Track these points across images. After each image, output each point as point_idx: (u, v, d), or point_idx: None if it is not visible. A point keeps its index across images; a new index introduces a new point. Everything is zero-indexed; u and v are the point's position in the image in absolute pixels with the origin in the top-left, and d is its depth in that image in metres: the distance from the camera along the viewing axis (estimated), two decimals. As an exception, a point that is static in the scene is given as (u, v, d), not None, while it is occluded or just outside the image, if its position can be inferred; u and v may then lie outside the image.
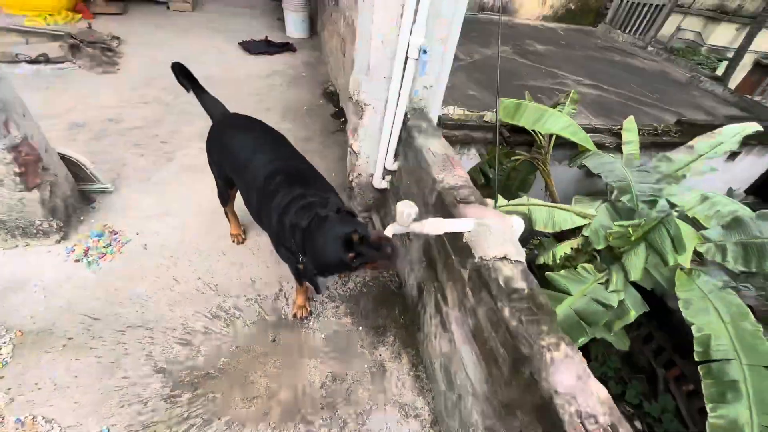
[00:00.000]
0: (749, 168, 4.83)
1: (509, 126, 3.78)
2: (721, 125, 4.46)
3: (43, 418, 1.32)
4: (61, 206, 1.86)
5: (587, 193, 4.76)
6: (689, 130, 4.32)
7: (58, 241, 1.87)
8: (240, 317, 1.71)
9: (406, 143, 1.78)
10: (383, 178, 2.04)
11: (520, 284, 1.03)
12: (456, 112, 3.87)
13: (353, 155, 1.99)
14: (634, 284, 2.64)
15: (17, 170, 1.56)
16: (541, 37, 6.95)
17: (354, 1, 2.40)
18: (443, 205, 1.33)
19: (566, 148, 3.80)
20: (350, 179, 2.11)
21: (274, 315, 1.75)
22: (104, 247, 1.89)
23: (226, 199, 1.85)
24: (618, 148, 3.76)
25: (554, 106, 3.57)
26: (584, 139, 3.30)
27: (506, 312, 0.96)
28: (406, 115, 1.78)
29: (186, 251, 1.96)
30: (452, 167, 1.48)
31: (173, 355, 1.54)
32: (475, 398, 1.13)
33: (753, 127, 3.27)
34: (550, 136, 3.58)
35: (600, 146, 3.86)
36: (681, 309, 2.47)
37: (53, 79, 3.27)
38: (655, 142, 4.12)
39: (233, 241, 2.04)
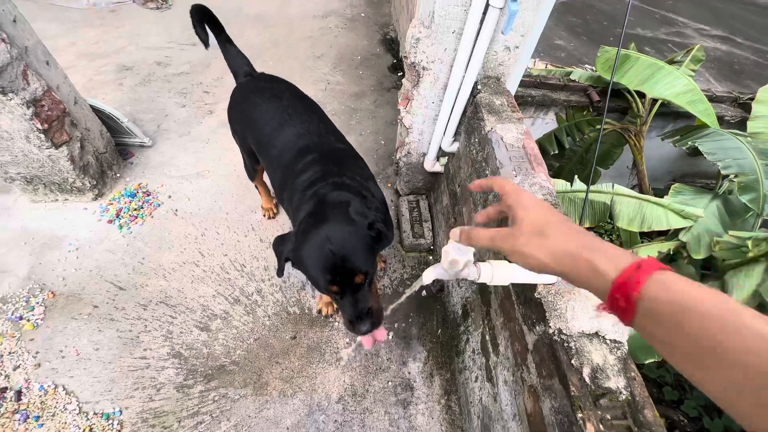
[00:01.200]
0: None
1: (600, 87, 3.07)
2: None
3: (64, 389, 1.31)
4: (94, 163, 1.78)
5: (683, 176, 3.93)
6: None
7: (94, 198, 1.83)
8: (261, 305, 1.57)
9: (470, 123, 1.37)
10: (437, 161, 1.67)
11: (615, 382, 0.70)
12: (537, 66, 3.22)
13: (404, 129, 1.63)
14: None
15: (39, 126, 1.45)
16: (664, -31, 5.47)
17: None
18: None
19: (670, 118, 3.05)
20: (398, 156, 1.77)
21: (297, 307, 1.58)
22: (136, 210, 1.82)
23: (252, 174, 1.63)
24: (742, 125, 2.91)
25: (669, 63, 2.78)
26: (705, 112, 2.53)
27: (589, 428, 0.64)
28: (476, 85, 1.36)
29: (215, 221, 1.83)
30: (533, 169, 1.08)
31: (191, 339, 1.45)
32: (519, 494, 0.86)
33: None
34: (654, 102, 2.85)
35: (719, 119, 3.04)
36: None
37: (108, 14, 3.17)
38: None
39: (264, 215, 1.86)
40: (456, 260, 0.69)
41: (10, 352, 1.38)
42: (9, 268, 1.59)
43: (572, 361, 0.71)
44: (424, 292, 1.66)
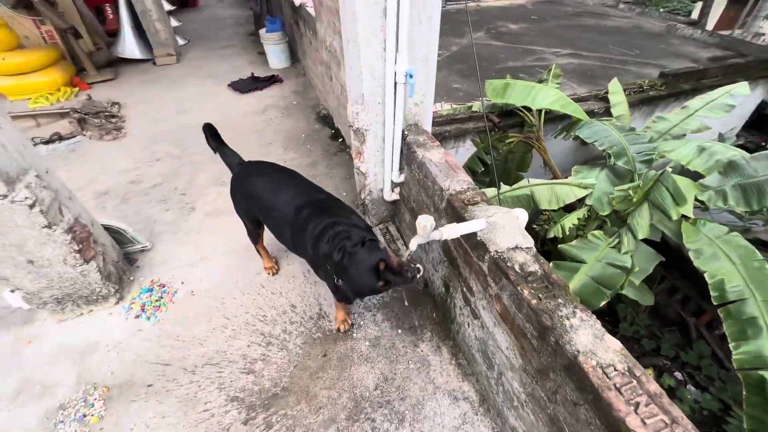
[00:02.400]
0: (740, 107, 4.84)
1: (497, 111, 3.91)
2: (705, 69, 4.50)
3: (146, 456, 1.51)
4: (114, 271, 2.07)
5: (585, 161, 4.87)
6: (674, 80, 4.39)
7: (117, 303, 2.08)
8: (290, 340, 1.90)
9: (408, 157, 1.95)
10: (392, 191, 2.21)
11: (533, 267, 1.20)
12: (444, 108, 4.01)
13: (361, 175, 2.17)
14: (648, 239, 2.77)
15: (76, 247, 1.77)
16: (512, 16, 7.06)
17: (335, 33, 2.59)
18: (453, 209, 1.50)
19: (557, 121, 3.90)
20: (362, 197, 2.29)
21: (320, 332, 1.93)
22: (157, 300, 2.10)
23: (256, 239, 2.05)
24: (608, 113, 3.86)
25: (539, 83, 3.68)
26: (575, 110, 3.39)
27: (526, 293, 1.13)
28: (404, 132, 1.96)
29: (229, 290, 2.16)
30: (455, 173, 1.65)
31: (241, 383, 1.73)
32: (513, 371, 1.30)
33: (742, 90, 3.33)
34: (540, 112, 3.69)
35: (589, 113, 3.97)
36: (692, 259, 2.60)
37: (69, 154, 3.51)
38: (643, 99, 4.22)
39: (268, 274, 2.23)
40: (425, 225, 1.19)
41: (85, 445, 1.55)
42: (57, 380, 1.77)
43: (508, 264, 1.21)
44: (420, 286, 2.09)
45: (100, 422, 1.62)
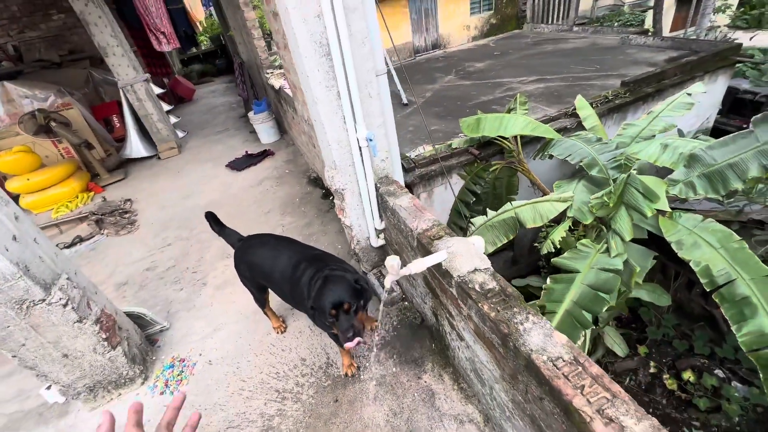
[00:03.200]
0: (709, 97, 5.03)
1: (476, 144, 4.18)
2: (663, 71, 4.78)
3: None
4: (138, 353, 2.27)
5: (573, 174, 5.06)
6: (636, 86, 4.64)
7: (142, 383, 2.25)
8: (303, 392, 2.03)
9: (383, 206, 2.21)
10: (378, 237, 2.44)
11: (491, 285, 1.39)
12: (427, 149, 4.31)
13: (347, 228, 2.42)
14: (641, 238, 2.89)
15: (103, 336, 1.99)
16: (477, 55, 7.64)
17: (308, 116, 2.97)
18: (422, 246, 1.71)
19: (535, 142, 4.10)
20: (352, 247, 2.52)
21: (329, 380, 2.07)
22: (178, 375, 2.27)
23: (263, 303, 2.26)
24: (581, 127, 4.09)
25: (508, 113, 3.99)
26: (545, 131, 3.62)
27: (486, 308, 1.31)
28: (377, 185, 2.24)
29: (243, 354, 2.33)
30: (422, 213, 1.89)
31: (261, 441, 1.85)
32: (497, 381, 1.43)
33: (698, 89, 3.60)
34: (516, 137, 3.95)
35: (563, 130, 4.21)
36: (676, 250, 2.72)
37: (90, 253, 3.86)
38: (611, 107, 4.45)
39: (277, 332, 2.40)
40: (392, 264, 1.40)
41: None
42: (94, 465, 1.90)
43: (469, 286, 1.40)
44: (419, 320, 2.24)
45: (136, 499, 1.73)
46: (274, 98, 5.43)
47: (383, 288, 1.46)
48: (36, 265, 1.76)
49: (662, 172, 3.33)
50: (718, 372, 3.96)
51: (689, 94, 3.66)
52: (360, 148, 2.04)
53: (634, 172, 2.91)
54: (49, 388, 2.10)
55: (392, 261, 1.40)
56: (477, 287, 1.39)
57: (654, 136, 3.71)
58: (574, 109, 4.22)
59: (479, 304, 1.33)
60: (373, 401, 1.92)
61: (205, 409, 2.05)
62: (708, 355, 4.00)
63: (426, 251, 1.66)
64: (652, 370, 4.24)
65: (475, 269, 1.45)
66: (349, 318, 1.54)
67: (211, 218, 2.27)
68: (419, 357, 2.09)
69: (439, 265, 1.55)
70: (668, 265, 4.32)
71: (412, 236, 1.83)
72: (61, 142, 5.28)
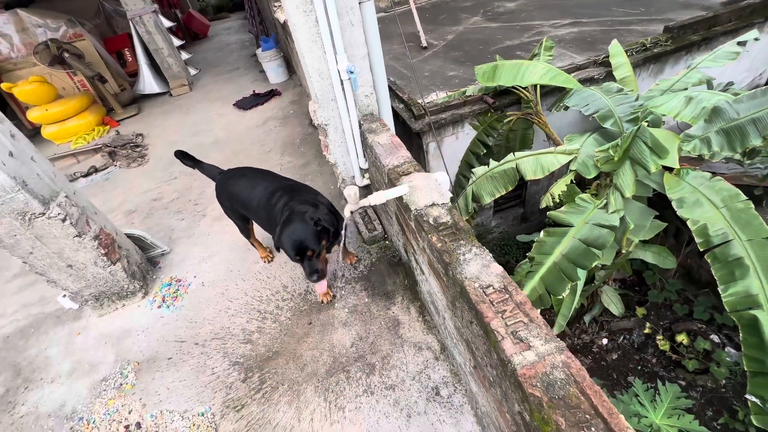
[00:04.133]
0: (765, 47, 4.36)
1: (491, 92, 3.90)
2: (715, 15, 4.16)
3: (167, 410, 1.87)
4: (138, 271, 2.48)
5: (595, 130, 4.74)
6: (680, 33, 3.99)
7: (143, 297, 2.49)
8: (282, 314, 2.20)
9: (364, 144, 2.20)
10: (363, 177, 2.46)
11: (446, 219, 1.41)
12: (440, 96, 4.11)
13: (333, 166, 2.44)
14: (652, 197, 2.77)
15: (103, 251, 2.18)
16: (509, -7, 6.90)
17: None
18: (390, 182, 1.73)
19: (556, 92, 3.74)
20: (338, 185, 2.56)
21: (306, 305, 2.22)
22: (174, 292, 2.48)
23: (247, 234, 2.37)
24: (610, 78, 3.67)
25: (531, 59, 3.66)
26: (566, 81, 3.32)
27: (434, 239, 1.34)
28: (359, 122, 2.21)
29: (232, 279, 2.50)
30: (397, 150, 1.87)
31: (241, 351, 2.05)
32: (445, 310, 1.50)
33: (751, 35, 3.18)
34: (536, 87, 3.67)
35: (590, 81, 3.85)
36: (675, 208, 2.62)
37: (104, 183, 4.08)
38: (648, 57, 3.90)
39: (264, 262, 2.55)
40: (350, 194, 1.43)
41: (122, 405, 1.93)
42: (101, 360, 2.19)
43: (424, 219, 1.43)
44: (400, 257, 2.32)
45: (133, 389, 2.00)
46: (282, 34, 5.23)
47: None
48: (34, 181, 1.89)
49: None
50: (714, 337, 3.96)
51: (740, 43, 3.23)
52: (342, 81, 1.99)
53: (645, 124, 2.72)
54: (65, 296, 2.36)
55: (350, 191, 1.42)
56: (431, 220, 1.41)
57: (686, 89, 3.36)
58: (606, 56, 3.78)
59: (430, 236, 1.36)
60: (343, 326, 2.07)
61: (195, 323, 2.27)
62: (707, 321, 3.98)
63: (393, 186, 1.67)
64: (647, 331, 4.29)
65: (433, 203, 1.47)
66: (311, 263, 1.63)
67: (182, 156, 2.34)
68: (391, 291, 2.19)
69: (401, 199, 1.57)
70: (682, 230, 4.16)
71: (384, 172, 1.84)
72: (76, 74, 5.36)
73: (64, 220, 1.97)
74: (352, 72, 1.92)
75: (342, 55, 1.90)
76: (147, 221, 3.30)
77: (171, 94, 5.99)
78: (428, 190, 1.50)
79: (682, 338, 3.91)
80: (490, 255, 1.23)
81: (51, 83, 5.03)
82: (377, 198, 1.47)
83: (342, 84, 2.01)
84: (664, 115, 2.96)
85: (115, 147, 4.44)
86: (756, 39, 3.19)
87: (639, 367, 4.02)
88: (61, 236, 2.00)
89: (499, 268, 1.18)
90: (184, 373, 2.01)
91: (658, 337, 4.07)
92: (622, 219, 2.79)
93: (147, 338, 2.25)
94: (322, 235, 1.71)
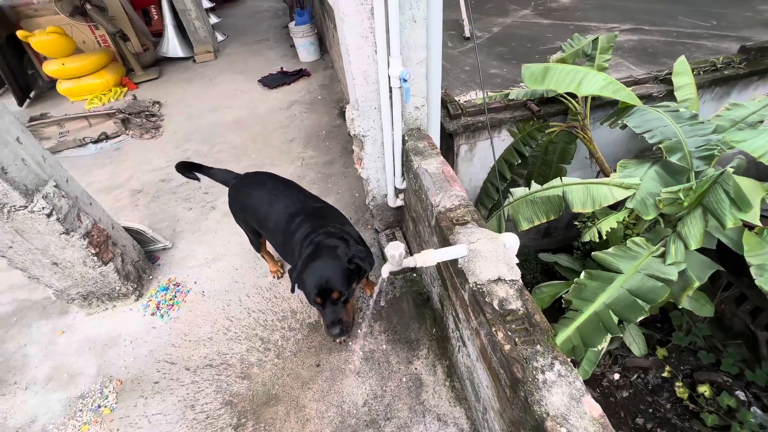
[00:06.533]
0: None
1: (537, 99, 3.51)
2: None
3: (145, 451, 1.62)
4: (133, 270, 2.21)
5: (641, 151, 4.29)
6: (758, 55, 3.56)
7: (136, 299, 2.23)
8: (287, 347, 1.92)
9: (406, 164, 1.84)
10: (396, 197, 2.12)
11: (515, 305, 1.07)
12: (479, 96, 3.70)
13: (365, 181, 2.10)
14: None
15: (93, 251, 1.90)
16: (566, -14, 6.30)
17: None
18: (440, 229, 1.38)
19: (609, 107, 3.43)
20: (367, 202, 2.22)
21: (315, 341, 1.93)
22: (171, 299, 2.22)
23: (258, 247, 2.07)
24: (670, 97, 3.31)
25: (570, 56, 3.25)
26: (628, 97, 2.93)
27: (500, 336, 1.01)
28: (404, 137, 1.85)
29: (236, 292, 2.22)
30: (449, 186, 1.52)
31: (236, 388, 1.78)
32: (494, 412, 1.18)
33: None
34: (586, 98, 3.27)
35: (647, 98, 3.44)
36: (754, 276, 2.23)
37: (113, 153, 3.81)
38: (716, 79, 3.47)
39: (273, 277, 2.26)
40: (393, 254, 1.10)
41: (97, 434, 1.70)
42: (81, 370, 1.95)
43: (486, 299, 1.09)
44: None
45: (111, 414, 1.76)
46: (319, 9, 4.79)
47: (381, 270, 1.18)
48: (16, 168, 1.60)
49: (764, 175, 2.64)
50: (740, 393, 3.62)
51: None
52: (390, 88, 1.63)
53: (731, 169, 2.29)
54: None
55: (394, 251, 1.09)
56: (495, 303, 1.07)
57: (762, 122, 2.90)
58: (668, 73, 3.33)
59: (492, 327, 1.03)
60: (356, 376, 1.77)
61: (189, 341, 2.01)
62: (734, 375, 3.65)
63: (443, 238, 1.33)
64: (665, 374, 3.96)
65: (499, 278, 1.13)
66: (336, 309, 1.31)
67: (184, 168, 2.04)
68: (415, 339, 1.88)
69: (454, 261, 1.23)
70: (720, 273, 3.77)
71: (431, 212, 1.50)
72: (98, 28, 5.03)
73: (49, 215, 1.69)
74: (405, 80, 1.55)
75: (397, 58, 1.52)
76: (152, 205, 3.02)
77: (195, 60, 5.64)
78: (494, 258, 1.15)
79: (705, 389, 3.58)
80: (580, 379, 0.90)
81: (70, 36, 4.72)
82: (425, 260, 1.14)
83: (390, 92, 1.64)
84: (736, 152, 2.53)
85: (129, 114, 4.15)
86: None
87: (651, 410, 3.72)
88: (45, 232, 1.73)
89: (597, 409, 0.84)
90: (170, 405, 1.76)
91: (677, 383, 3.75)
92: (682, 273, 2.41)
93: (135, 351, 2.00)
94: (353, 276, 1.39)
